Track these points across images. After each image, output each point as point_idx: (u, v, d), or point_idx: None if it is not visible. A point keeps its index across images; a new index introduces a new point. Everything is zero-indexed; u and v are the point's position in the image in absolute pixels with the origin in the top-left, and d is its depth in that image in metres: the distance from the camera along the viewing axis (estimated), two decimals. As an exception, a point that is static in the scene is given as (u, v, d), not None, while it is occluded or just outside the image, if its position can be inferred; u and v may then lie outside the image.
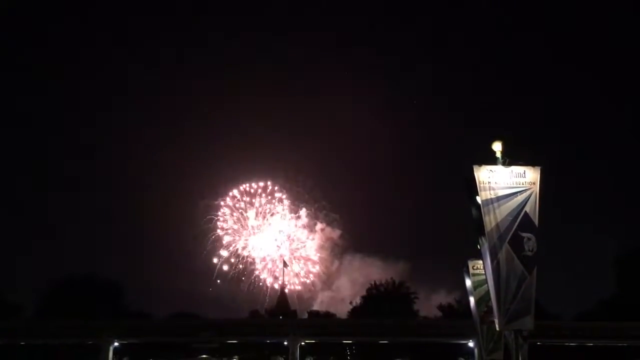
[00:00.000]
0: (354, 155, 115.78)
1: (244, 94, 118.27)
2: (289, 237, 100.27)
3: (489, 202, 18.64)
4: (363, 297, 79.49)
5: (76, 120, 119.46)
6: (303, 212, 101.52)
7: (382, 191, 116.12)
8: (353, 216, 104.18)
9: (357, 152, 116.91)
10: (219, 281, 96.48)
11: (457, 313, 68.69)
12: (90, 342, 53.53)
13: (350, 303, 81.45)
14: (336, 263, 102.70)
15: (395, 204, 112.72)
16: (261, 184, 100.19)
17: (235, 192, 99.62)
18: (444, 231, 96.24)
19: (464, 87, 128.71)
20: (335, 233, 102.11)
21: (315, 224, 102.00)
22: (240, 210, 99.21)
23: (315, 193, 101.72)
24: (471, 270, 31.89)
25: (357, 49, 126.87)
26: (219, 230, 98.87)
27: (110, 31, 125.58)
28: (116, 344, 52.86)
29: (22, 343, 54.73)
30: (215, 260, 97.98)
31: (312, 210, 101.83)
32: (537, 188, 18.87)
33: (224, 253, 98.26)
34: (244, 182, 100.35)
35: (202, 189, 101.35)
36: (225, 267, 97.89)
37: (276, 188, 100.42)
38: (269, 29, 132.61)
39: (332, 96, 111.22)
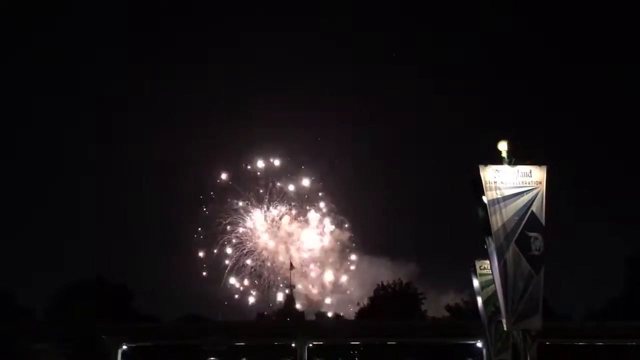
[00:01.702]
0: (359, 156, 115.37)
1: (243, 94, 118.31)
2: (297, 239, 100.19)
3: (495, 202, 18.61)
4: (370, 298, 79.33)
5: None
6: (312, 214, 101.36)
7: (389, 192, 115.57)
8: (361, 218, 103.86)
9: (362, 152, 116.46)
10: (227, 291, 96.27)
11: (465, 313, 68.38)
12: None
13: (358, 304, 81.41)
14: (344, 265, 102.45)
15: (402, 204, 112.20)
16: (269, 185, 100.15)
17: (243, 190, 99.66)
18: (452, 231, 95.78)
19: (469, 86, 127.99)
20: (344, 235, 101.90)
21: (323, 226, 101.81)
22: (249, 213, 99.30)
23: (323, 195, 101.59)
24: (478, 271, 31.77)
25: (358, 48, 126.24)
26: (227, 234, 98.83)
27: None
28: (125, 347, 52.97)
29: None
30: (224, 262, 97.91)
31: (321, 212, 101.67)
32: (543, 187, 18.80)
33: (231, 253, 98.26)
34: (251, 184, 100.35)
35: (210, 191, 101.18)
36: (234, 271, 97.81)
37: (284, 189, 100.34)
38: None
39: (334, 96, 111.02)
